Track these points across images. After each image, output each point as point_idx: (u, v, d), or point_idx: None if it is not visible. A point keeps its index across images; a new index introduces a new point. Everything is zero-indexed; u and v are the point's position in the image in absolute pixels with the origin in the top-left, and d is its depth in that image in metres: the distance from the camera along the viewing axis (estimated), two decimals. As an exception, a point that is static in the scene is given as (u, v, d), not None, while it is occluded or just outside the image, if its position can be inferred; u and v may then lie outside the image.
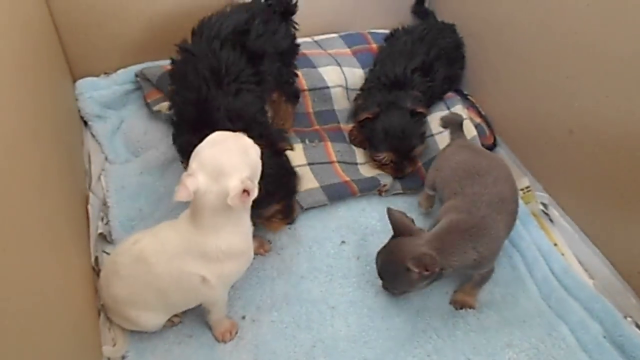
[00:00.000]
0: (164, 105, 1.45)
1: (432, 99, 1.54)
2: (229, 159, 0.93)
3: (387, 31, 1.68)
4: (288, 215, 1.22)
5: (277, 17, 1.31)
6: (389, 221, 1.14)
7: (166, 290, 1.05)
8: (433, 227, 1.12)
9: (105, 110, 1.50)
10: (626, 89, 1.05)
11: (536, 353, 1.15)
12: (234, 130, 0.99)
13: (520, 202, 1.38)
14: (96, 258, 1.19)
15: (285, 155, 1.17)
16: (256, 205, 1.00)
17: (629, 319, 1.18)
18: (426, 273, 1.03)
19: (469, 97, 1.61)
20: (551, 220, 1.38)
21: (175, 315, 1.18)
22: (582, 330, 1.16)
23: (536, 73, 1.30)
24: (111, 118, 1.51)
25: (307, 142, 1.46)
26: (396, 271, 1.10)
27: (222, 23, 1.21)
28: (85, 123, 1.50)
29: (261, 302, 1.25)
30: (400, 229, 1.12)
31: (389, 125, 1.39)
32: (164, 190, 1.38)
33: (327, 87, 1.53)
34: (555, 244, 1.33)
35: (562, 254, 1.30)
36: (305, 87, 1.52)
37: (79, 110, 1.48)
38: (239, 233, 1.02)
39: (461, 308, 1.21)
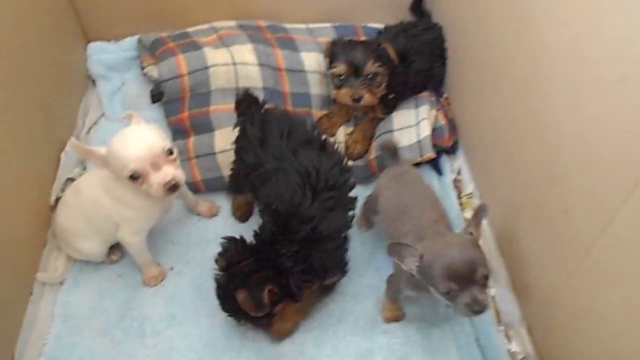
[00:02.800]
0: (153, 69, 1.62)
1: (405, 90, 1.57)
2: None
3: (382, 26, 1.70)
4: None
5: None
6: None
7: (90, 216, 1.27)
8: None
9: (110, 72, 1.72)
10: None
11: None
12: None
13: (456, 206, 1.42)
14: (58, 199, 1.40)
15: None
16: None
17: (501, 327, 1.23)
18: None
19: (442, 98, 1.61)
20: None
21: (114, 255, 1.38)
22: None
23: (506, 96, 1.26)
24: (114, 79, 1.72)
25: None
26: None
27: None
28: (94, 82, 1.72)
29: (192, 259, 1.41)
30: None
31: (346, 41, 1.49)
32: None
33: (304, 71, 1.61)
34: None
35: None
36: (283, 67, 1.60)
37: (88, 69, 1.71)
38: (131, 195, 1.20)
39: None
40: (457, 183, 1.49)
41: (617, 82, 0.84)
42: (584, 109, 0.93)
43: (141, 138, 1.13)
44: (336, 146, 1.28)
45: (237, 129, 1.33)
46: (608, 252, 0.90)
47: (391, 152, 1.33)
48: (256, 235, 1.15)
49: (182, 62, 1.53)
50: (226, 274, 1.12)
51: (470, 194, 1.43)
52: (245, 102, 1.33)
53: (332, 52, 1.49)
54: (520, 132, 1.17)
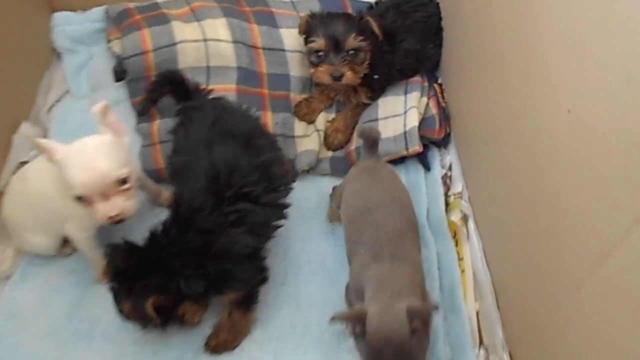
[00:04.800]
0: (117, 43, 1.48)
1: (391, 72, 1.42)
2: None
3: (373, 0, 1.54)
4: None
5: None
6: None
7: (36, 207, 1.16)
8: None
9: (76, 45, 1.57)
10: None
11: None
12: None
13: (441, 207, 1.28)
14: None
15: None
16: None
17: (482, 351, 1.10)
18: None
19: (436, 85, 1.45)
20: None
21: (67, 248, 1.27)
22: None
23: (499, 89, 1.10)
24: (80, 53, 1.57)
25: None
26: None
27: None
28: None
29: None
30: None
31: (324, 13, 1.36)
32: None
33: (284, 50, 1.46)
34: (461, 258, 1.22)
35: (462, 270, 1.20)
36: (260, 45, 1.45)
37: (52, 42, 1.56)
38: None
39: None
40: (446, 179, 1.35)
41: (624, 85, 0.68)
42: (582, 116, 0.78)
43: (96, 162, 1.00)
44: (274, 139, 1.17)
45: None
46: (601, 290, 0.76)
47: (370, 142, 1.17)
48: (150, 234, 1.03)
49: (146, 37, 1.38)
50: (114, 284, 1.00)
51: (459, 193, 1.29)
52: (161, 85, 1.20)
53: (309, 26, 1.34)
54: (512, 132, 1.02)
